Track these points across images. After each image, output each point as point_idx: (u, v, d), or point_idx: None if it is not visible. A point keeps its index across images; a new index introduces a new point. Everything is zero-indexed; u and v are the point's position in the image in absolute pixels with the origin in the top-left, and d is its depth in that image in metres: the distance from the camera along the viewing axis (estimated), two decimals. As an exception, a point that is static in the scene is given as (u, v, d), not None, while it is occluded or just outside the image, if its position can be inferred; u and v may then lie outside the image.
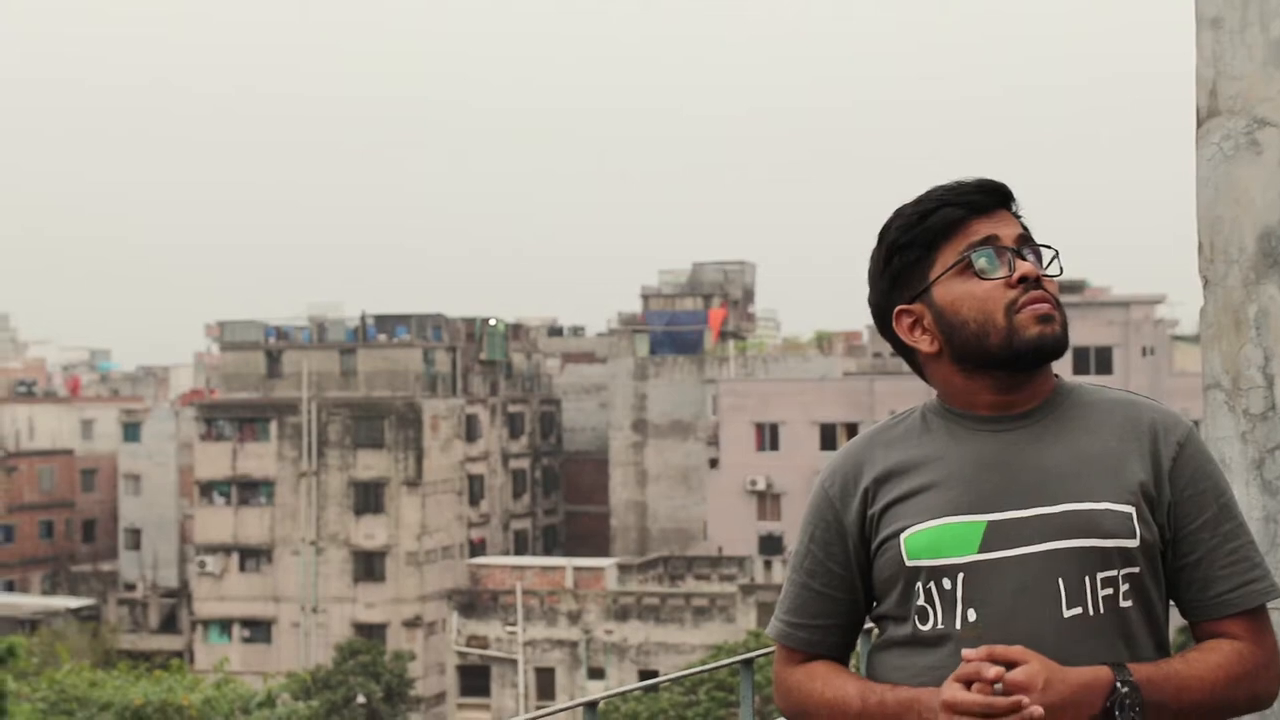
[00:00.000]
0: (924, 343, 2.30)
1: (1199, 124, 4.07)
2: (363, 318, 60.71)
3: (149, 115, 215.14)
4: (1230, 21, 4.02)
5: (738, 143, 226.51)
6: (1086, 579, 2.20)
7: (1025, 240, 2.29)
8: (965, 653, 2.14)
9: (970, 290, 2.25)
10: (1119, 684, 2.14)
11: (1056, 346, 2.25)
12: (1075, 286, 56.33)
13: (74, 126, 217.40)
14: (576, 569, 48.90)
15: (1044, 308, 2.24)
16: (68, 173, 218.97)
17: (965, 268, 2.25)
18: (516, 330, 68.04)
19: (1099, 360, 51.58)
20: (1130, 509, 2.22)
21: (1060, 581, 2.20)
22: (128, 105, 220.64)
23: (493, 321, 64.23)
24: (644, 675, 45.16)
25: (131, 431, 67.14)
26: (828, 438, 52.51)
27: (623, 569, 50.05)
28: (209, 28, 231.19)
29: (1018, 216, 2.32)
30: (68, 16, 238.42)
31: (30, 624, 56.40)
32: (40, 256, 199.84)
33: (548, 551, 63.83)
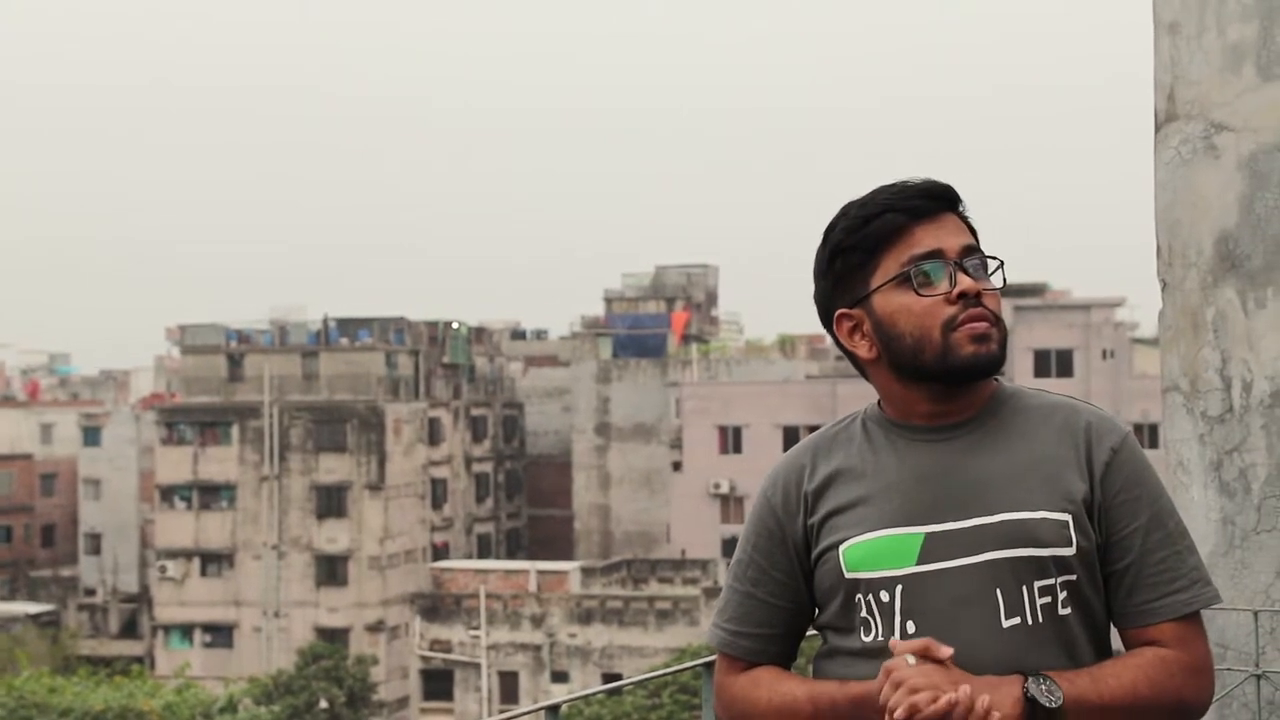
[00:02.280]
0: (862, 348, 2.30)
1: (1157, 128, 4.09)
2: (325, 321, 60.48)
3: (108, 116, 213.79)
4: (1187, 27, 4.04)
5: (701, 145, 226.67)
6: (1024, 588, 2.20)
7: (970, 250, 2.27)
8: (894, 643, 2.15)
9: (908, 304, 2.24)
10: (1029, 678, 2.14)
11: (991, 366, 2.25)
12: (1036, 289, 56.58)
13: (30, 127, 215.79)
14: (540, 572, 48.85)
15: (981, 327, 2.23)
16: (25, 173, 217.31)
17: (905, 280, 2.24)
18: (479, 333, 67.92)
19: (1059, 363, 51.83)
20: (1067, 517, 2.22)
21: (998, 592, 2.20)
22: (86, 107, 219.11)
23: (455, 325, 64.10)
24: (607, 678, 45.15)
25: (91, 435, 66.67)
26: (791, 440, 52.54)
27: (586, 572, 50.02)
28: (181, 26, 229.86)
29: (965, 219, 2.31)
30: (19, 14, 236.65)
31: (-11, 630, 55.95)
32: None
33: (511, 555, 63.70)
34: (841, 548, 2.26)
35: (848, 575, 2.25)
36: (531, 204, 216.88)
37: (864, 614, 2.25)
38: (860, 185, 2.36)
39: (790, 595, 2.34)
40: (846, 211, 2.31)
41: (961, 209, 2.32)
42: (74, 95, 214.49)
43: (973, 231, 2.31)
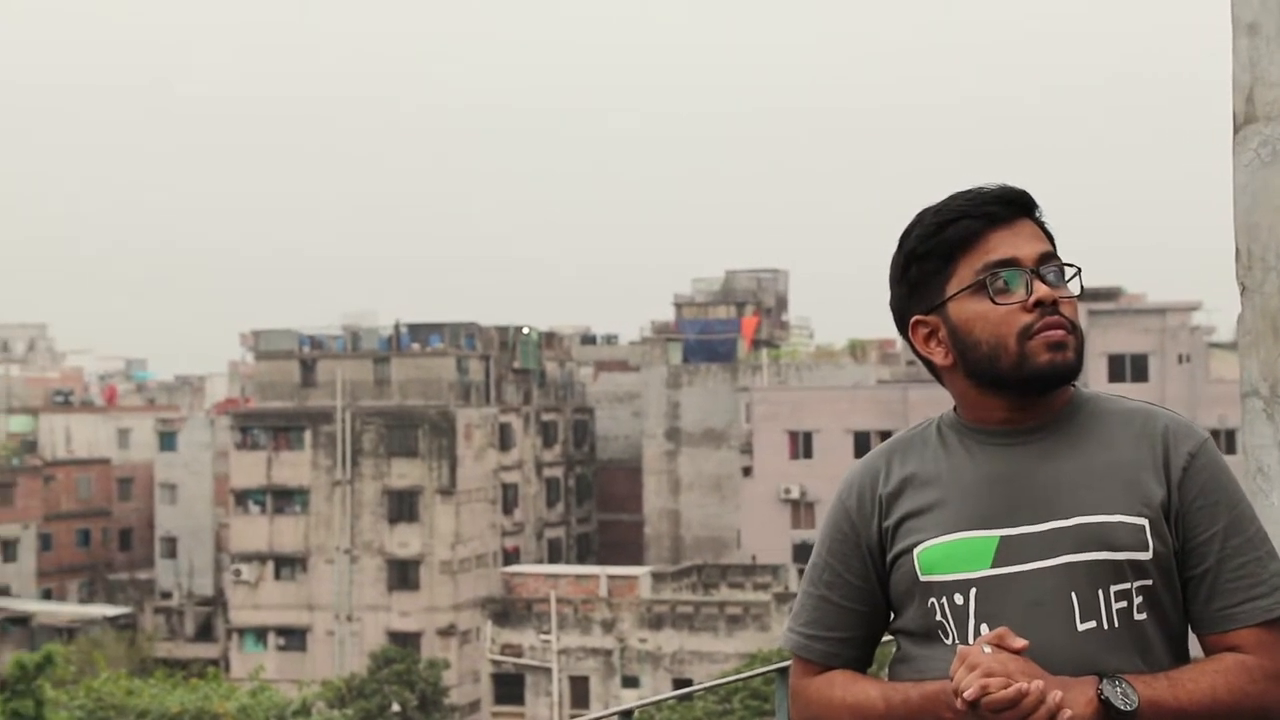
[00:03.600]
0: (938, 355, 2.30)
1: (1236, 130, 4.04)
2: (396, 326, 60.89)
3: (181, 123, 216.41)
4: (1267, 27, 3.98)
5: (771, 148, 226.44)
6: (1100, 592, 2.19)
7: (1046, 257, 2.26)
8: (985, 638, 2.13)
9: (985, 312, 2.24)
10: (1104, 680, 2.13)
11: (1067, 374, 2.24)
12: (1110, 294, 56.02)
13: (108, 135, 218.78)
14: (610, 577, 48.91)
15: (1057, 334, 2.22)
16: (103, 181, 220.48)
17: (981, 287, 2.24)
18: (549, 339, 68.13)
19: (1134, 368, 51.28)
20: (1143, 521, 2.21)
21: (1073, 595, 2.19)
22: (159, 113, 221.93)
23: (526, 330, 64.32)
24: (678, 684, 45.12)
25: (167, 440, 67.48)
26: (862, 446, 52.34)
27: (656, 577, 50.03)
28: (241, 31, 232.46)
29: (1041, 224, 2.30)
30: (75, 16, 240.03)
31: (67, 632, 56.74)
32: (77, 266, 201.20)
33: (581, 560, 63.83)
34: (916, 551, 2.26)
35: (922, 578, 2.25)
36: (602, 209, 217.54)
37: (938, 617, 2.25)
38: (931, 188, 2.36)
39: (864, 599, 2.34)
40: (922, 218, 2.31)
41: (1038, 214, 2.31)
42: (148, 104, 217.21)
43: (1050, 237, 2.30)
